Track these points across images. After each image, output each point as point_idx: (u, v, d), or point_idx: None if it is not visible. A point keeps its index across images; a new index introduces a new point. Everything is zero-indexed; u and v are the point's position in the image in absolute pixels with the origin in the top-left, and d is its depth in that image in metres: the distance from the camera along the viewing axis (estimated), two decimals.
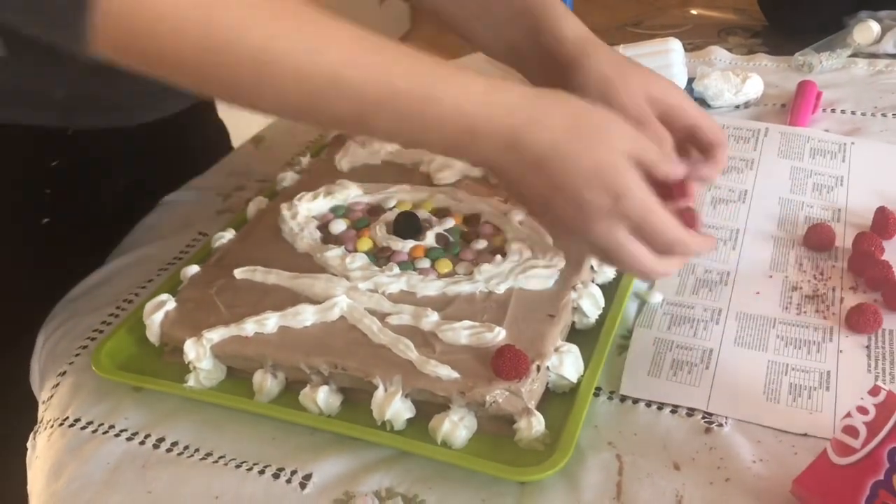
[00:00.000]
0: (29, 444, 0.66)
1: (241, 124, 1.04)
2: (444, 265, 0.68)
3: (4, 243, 0.80)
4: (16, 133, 0.73)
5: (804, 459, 0.53)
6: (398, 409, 0.58)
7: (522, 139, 0.54)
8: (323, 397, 0.60)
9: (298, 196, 0.76)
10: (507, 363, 0.57)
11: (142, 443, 0.62)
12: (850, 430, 0.49)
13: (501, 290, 0.65)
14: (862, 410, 0.49)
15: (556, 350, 0.60)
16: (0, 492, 0.81)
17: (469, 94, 0.54)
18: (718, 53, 1.08)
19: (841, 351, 0.63)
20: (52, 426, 0.65)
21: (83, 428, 0.64)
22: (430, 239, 0.70)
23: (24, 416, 0.70)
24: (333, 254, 0.69)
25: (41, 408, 0.68)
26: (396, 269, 0.67)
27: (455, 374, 0.58)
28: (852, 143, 0.85)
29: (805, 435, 0.57)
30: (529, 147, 0.54)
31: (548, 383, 0.60)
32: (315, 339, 0.62)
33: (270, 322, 0.63)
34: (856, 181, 0.80)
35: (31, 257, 0.82)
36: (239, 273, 0.69)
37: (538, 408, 0.58)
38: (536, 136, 0.54)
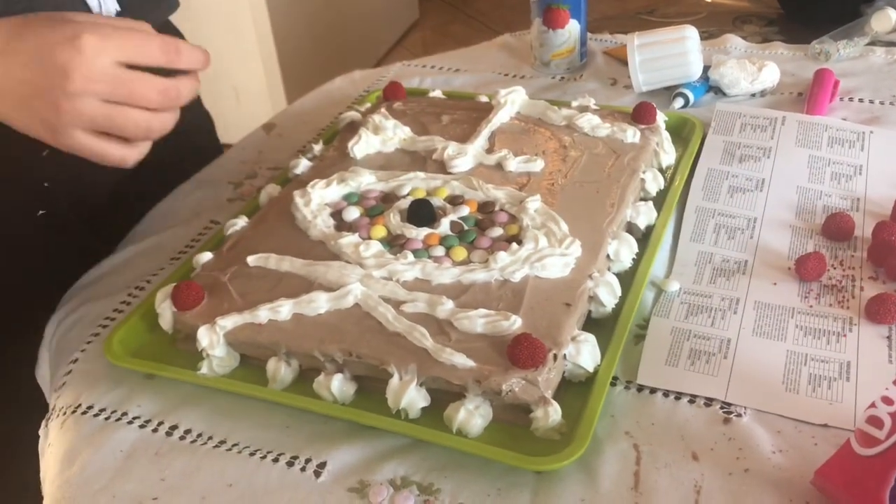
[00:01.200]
0: (41, 432, 0.66)
1: (227, 115, 1.03)
2: (459, 253, 0.67)
3: (8, 235, 0.80)
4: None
5: (824, 450, 0.53)
6: (413, 397, 0.58)
7: None
8: (337, 385, 0.60)
9: (312, 183, 0.76)
10: (524, 352, 0.56)
11: (155, 430, 0.62)
12: (875, 421, 0.48)
13: (517, 278, 0.64)
14: (887, 401, 0.48)
15: (573, 339, 0.60)
16: (8, 480, 0.81)
17: None
18: (734, 41, 1.07)
19: (861, 341, 0.62)
20: (64, 413, 0.64)
21: (96, 415, 0.63)
22: (444, 226, 0.70)
23: (32, 405, 0.70)
24: (347, 241, 0.68)
25: (53, 395, 0.68)
26: (411, 257, 0.66)
27: (470, 363, 0.57)
28: (871, 132, 0.84)
29: (825, 426, 0.56)
30: None
31: (564, 372, 0.60)
32: (329, 327, 0.62)
33: (284, 309, 0.63)
34: (875, 170, 0.79)
35: (36, 248, 0.82)
36: (252, 260, 0.69)
37: (555, 397, 0.57)
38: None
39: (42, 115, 0.57)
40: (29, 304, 0.77)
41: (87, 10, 0.70)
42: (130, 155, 0.61)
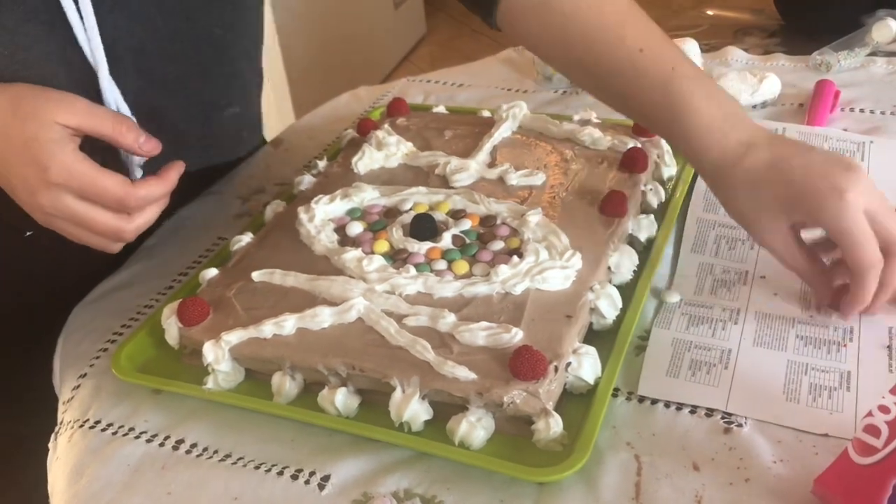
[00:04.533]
0: (50, 445, 0.66)
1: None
2: (461, 266, 0.68)
3: (22, 243, 0.81)
4: None
5: (825, 459, 0.53)
6: (416, 410, 0.58)
7: None
8: (341, 399, 0.61)
9: (315, 199, 0.77)
10: (525, 364, 0.57)
11: (161, 444, 0.62)
12: (872, 430, 0.48)
13: (518, 291, 0.65)
14: (883, 409, 0.48)
15: (575, 352, 0.60)
16: (21, 491, 0.81)
17: None
18: (735, 54, 1.08)
19: (861, 351, 0.62)
20: (72, 427, 0.65)
21: (103, 430, 0.64)
22: (446, 240, 0.71)
23: (43, 416, 0.71)
24: (350, 256, 0.69)
25: (61, 409, 0.69)
26: (413, 271, 0.67)
27: (472, 375, 0.58)
28: (871, 143, 0.85)
29: (826, 435, 0.56)
30: None
31: (565, 384, 0.60)
32: (333, 341, 0.63)
33: (288, 324, 0.64)
34: (875, 180, 0.79)
35: (50, 256, 0.83)
36: (257, 276, 0.70)
37: (556, 408, 0.58)
38: None
39: (23, 206, 0.63)
40: (47, 313, 0.78)
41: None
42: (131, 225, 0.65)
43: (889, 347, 0.62)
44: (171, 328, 0.67)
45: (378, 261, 0.68)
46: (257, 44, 0.81)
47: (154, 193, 0.64)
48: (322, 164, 0.88)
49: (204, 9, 0.73)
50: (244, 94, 0.79)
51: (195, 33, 0.74)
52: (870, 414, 0.49)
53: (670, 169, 0.82)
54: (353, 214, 0.76)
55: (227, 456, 0.61)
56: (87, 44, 0.65)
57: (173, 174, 0.66)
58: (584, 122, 0.86)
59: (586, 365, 0.60)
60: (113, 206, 0.62)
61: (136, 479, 0.60)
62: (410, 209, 0.75)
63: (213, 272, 0.72)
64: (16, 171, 0.60)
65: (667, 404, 0.60)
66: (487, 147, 0.84)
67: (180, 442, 0.62)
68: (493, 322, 0.62)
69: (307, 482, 0.58)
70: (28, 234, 0.79)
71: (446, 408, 0.59)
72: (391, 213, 0.76)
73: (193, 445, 0.62)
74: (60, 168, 0.59)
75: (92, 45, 0.65)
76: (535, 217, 0.71)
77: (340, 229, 0.74)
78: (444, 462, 0.57)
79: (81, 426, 0.65)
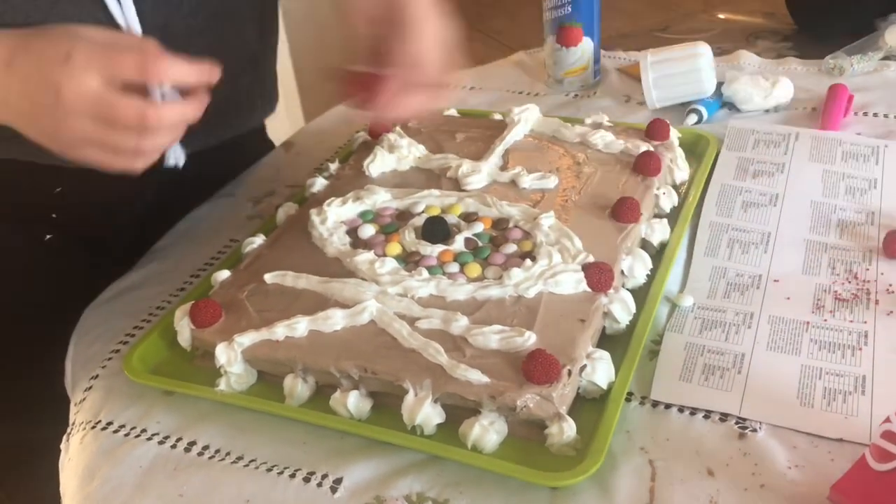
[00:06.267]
0: (62, 447, 0.67)
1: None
2: (474, 269, 0.68)
3: (33, 245, 0.81)
4: None
5: (840, 465, 0.53)
6: (428, 413, 0.58)
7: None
8: (353, 402, 0.60)
9: (328, 201, 0.77)
10: (539, 368, 0.56)
11: (173, 446, 0.62)
12: (890, 436, 0.48)
13: (531, 294, 0.64)
14: None
15: (588, 356, 0.60)
16: (33, 492, 0.82)
17: None
18: (747, 58, 1.07)
19: (876, 355, 0.62)
20: (84, 429, 0.65)
21: (115, 431, 0.64)
22: (458, 243, 0.70)
23: (54, 418, 0.71)
24: (363, 258, 0.69)
25: (73, 410, 0.69)
26: (425, 274, 0.67)
27: (485, 379, 0.58)
28: (885, 146, 0.84)
29: (841, 440, 0.56)
30: None
31: (578, 388, 0.60)
32: (345, 343, 0.63)
33: (300, 326, 0.64)
34: (890, 183, 0.79)
35: (60, 258, 0.83)
36: (269, 278, 0.70)
37: (569, 412, 0.57)
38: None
39: (45, 130, 0.58)
40: (58, 315, 0.78)
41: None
42: (134, 166, 0.61)
43: None
44: (184, 330, 0.67)
45: (390, 263, 0.68)
46: (260, 8, 0.81)
47: (174, 112, 0.60)
48: (334, 166, 0.88)
49: None
50: (254, 60, 0.79)
51: (212, 4, 0.74)
52: (888, 420, 0.48)
53: (683, 173, 0.82)
54: (366, 217, 0.76)
55: (240, 458, 0.61)
56: (122, 16, 0.64)
57: (197, 102, 0.63)
58: (597, 126, 0.86)
59: (600, 369, 0.59)
60: (133, 123, 0.58)
61: (148, 480, 0.60)
62: (423, 212, 0.75)
63: (225, 274, 0.72)
64: (35, 101, 0.57)
65: (680, 409, 0.60)
66: (499, 150, 0.83)
67: (192, 444, 0.62)
68: (506, 325, 0.61)
69: (319, 485, 0.58)
70: (48, 237, 0.79)
71: (459, 411, 0.59)
72: (403, 216, 0.76)
73: (206, 447, 0.62)
74: (77, 89, 0.56)
75: (126, 15, 0.65)
76: (547, 220, 0.71)
77: (352, 232, 0.74)
78: (457, 466, 0.57)
79: (93, 427, 0.65)
